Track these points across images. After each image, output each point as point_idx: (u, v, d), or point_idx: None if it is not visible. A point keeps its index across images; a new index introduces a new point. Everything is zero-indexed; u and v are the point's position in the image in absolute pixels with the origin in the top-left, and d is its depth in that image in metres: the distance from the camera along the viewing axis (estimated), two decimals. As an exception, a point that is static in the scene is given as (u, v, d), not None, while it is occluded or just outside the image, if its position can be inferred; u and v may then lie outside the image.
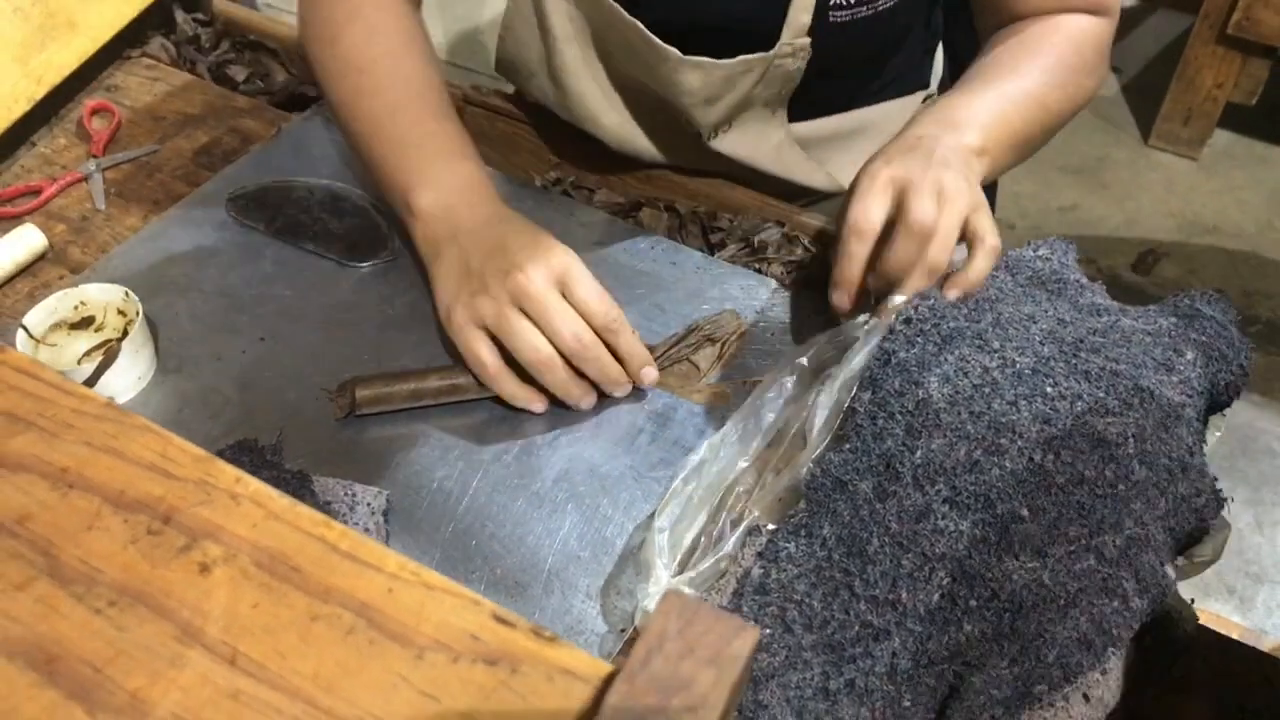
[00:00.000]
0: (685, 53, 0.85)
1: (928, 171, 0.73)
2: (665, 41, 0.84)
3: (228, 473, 0.33)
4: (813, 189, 1.00)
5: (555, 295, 0.71)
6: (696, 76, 0.86)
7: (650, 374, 0.75)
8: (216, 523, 0.32)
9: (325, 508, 0.68)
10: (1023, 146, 0.85)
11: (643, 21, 0.84)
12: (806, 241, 0.90)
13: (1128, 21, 2.74)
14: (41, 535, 0.31)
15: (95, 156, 0.93)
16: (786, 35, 0.85)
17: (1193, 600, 0.67)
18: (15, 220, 0.87)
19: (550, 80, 0.94)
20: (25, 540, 0.31)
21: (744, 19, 0.86)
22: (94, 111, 0.97)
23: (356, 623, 0.30)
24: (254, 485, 0.33)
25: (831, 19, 0.86)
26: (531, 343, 0.71)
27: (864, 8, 0.85)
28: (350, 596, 0.31)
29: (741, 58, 0.86)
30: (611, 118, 0.93)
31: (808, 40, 0.86)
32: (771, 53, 0.86)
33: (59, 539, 0.31)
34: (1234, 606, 1.63)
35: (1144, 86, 2.54)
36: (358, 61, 0.84)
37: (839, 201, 1.05)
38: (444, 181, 0.79)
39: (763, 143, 0.94)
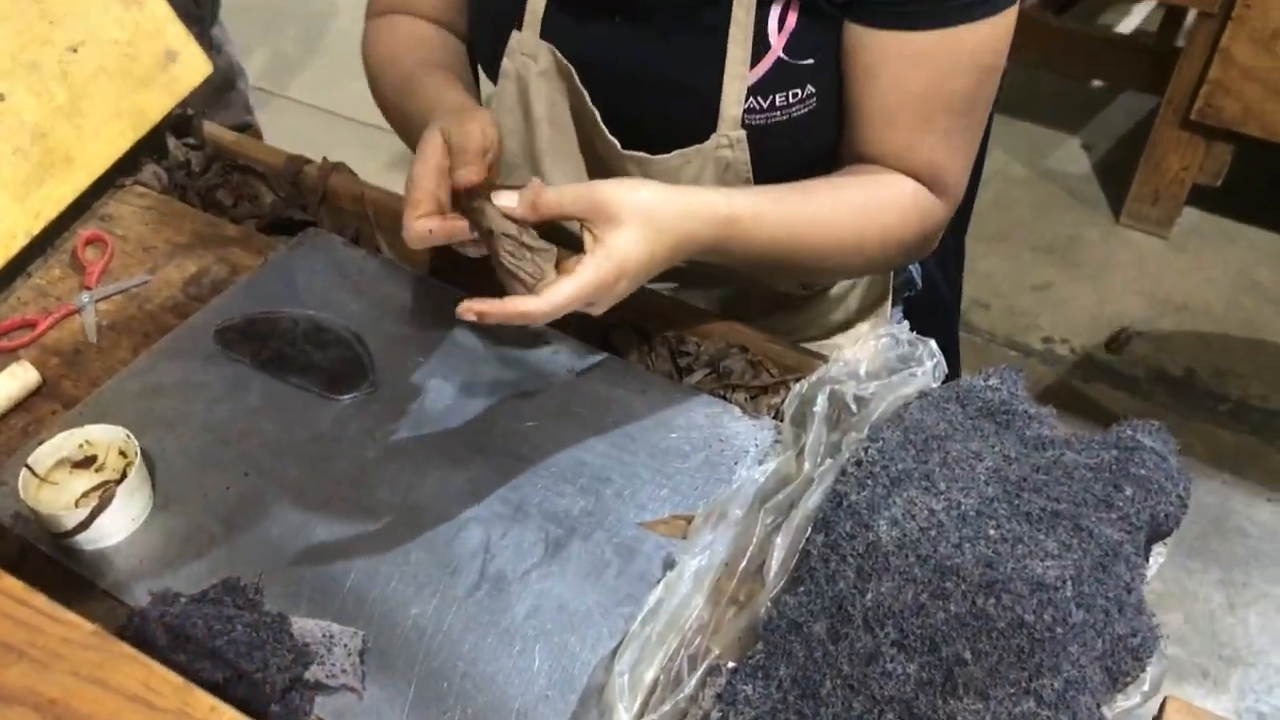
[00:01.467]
0: (633, 145, 0.93)
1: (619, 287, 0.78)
2: (619, 132, 0.93)
3: (204, 702, 0.36)
4: (779, 290, 1.05)
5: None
6: (636, 168, 0.94)
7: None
8: (194, 755, 0.35)
9: (304, 649, 0.71)
10: (763, 272, 0.95)
11: (600, 111, 0.93)
12: (771, 368, 0.94)
13: (1096, 102, 2.83)
14: (33, 770, 0.34)
15: (88, 289, 0.97)
16: (722, 128, 0.91)
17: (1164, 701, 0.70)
18: (10, 354, 0.91)
19: (530, 166, 1.01)
20: (18, 776, 0.34)
21: (679, 114, 0.92)
22: (88, 243, 1.01)
23: None
24: (229, 714, 0.36)
25: (748, 122, 0.91)
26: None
27: (777, 113, 0.91)
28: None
29: (677, 151, 0.92)
30: None
31: (743, 133, 0.91)
32: (709, 144, 0.91)
33: (49, 773, 0.34)
34: (1207, 690, 1.66)
35: (1113, 166, 2.61)
36: (396, 69, 0.99)
37: (806, 311, 1.11)
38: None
39: None
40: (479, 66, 1.05)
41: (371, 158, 2.30)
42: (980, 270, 2.35)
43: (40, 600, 0.40)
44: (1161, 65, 2.33)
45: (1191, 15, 2.28)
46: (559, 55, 0.93)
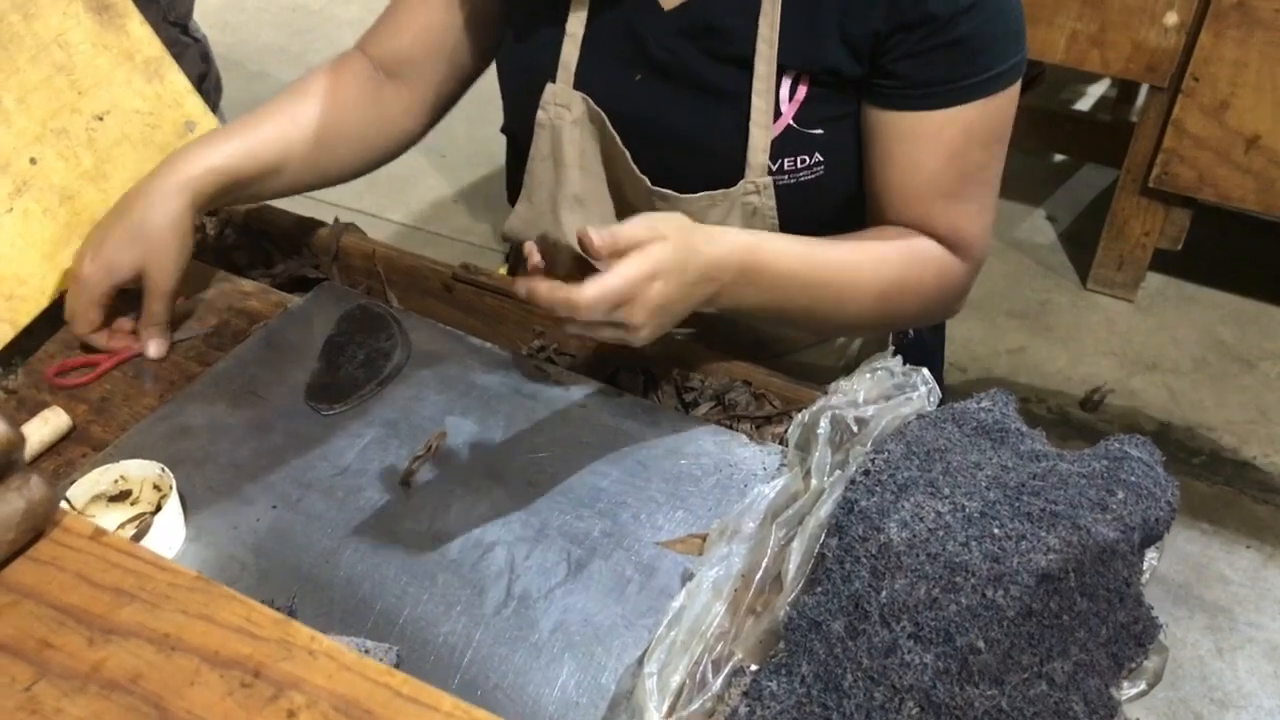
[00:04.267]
0: (664, 184, 0.97)
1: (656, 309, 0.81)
2: (651, 173, 0.98)
3: (304, 632, 0.39)
4: (789, 337, 1.10)
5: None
6: (665, 207, 0.99)
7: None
8: (298, 675, 0.38)
9: (341, 664, 0.73)
10: (788, 322, 0.97)
11: (630, 152, 0.98)
12: (773, 399, 0.98)
13: (1059, 174, 2.94)
14: (153, 691, 0.37)
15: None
16: (749, 174, 0.96)
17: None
18: (73, 391, 0.94)
19: (557, 213, 1.05)
20: (140, 696, 0.37)
21: (704, 163, 0.97)
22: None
23: (419, 756, 0.36)
24: (326, 642, 0.39)
25: None
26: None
27: (784, 176, 0.96)
28: (414, 734, 0.37)
29: (704, 193, 0.97)
30: None
31: (770, 179, 0.96)
32: (736, 189, 0.97)
33: (167, 694, 0.37)
34: (1202, 733, 1.68)
35: (1078, 234, 2.72)
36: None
37: (813, 349, 1.16)
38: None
39: None
40: (510, 128, 1.11)
41: (362, 239, 2.34)
42: (957, 336, 2.42)
43: (146, 553, 0.43)
44: (1119, 138, 2.44)
45: (1144, 90, 2.41)
46: (591, 103, 0.98)
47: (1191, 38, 2.12)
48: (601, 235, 0.78)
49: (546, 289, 0.78)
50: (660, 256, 0.80)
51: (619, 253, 0.79)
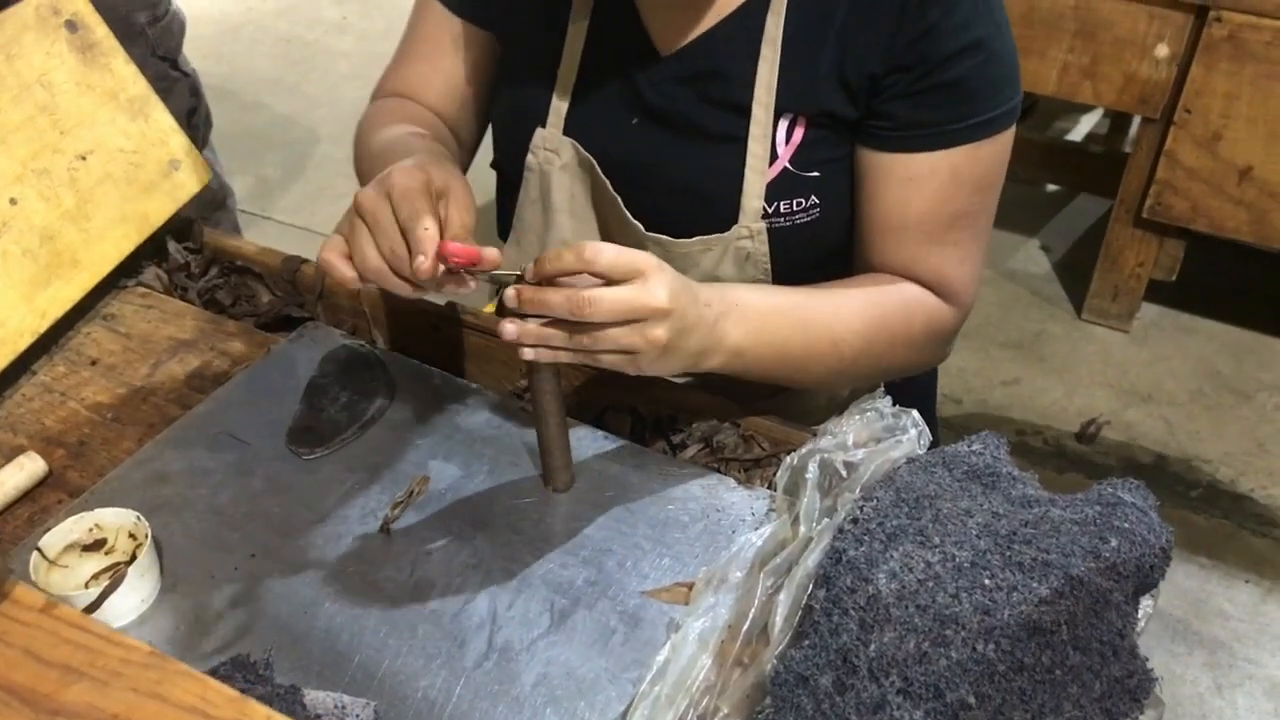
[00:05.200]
0: (657, 229, 0.96)
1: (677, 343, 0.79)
2: (640, 220, 0.96)
3: (260, 711, 0.38)
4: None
5: (384, 209, 0.76)
6: (658, 250, 0.97)
7: (420, 263, 0.74)
8: (253, 759, 0.36)
9: (316, 721, 0.71)
10: (789, 367, 0.93)
11: (622, 197, 0.96)
12: (762, 441, 0.97)
13: (1053, 204, 2.94)
14: (99, 778, 0.35)
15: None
16: (743, 219, 0.95)
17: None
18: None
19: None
20: (85, 783, 0.35)
21: (699, 208, 0.96)
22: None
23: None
24: (283, 722, 0.38)
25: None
26: (360, 250, 0.77)
27: (780, 219, 0.95)
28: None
29: (698, 237, 0.96)
30: None
31: (763, 224, 0.95)
32: (729, 233, 0.95)
33: (115, 780, 0.35)
34: (1202, 773, 1.65)
35: (1073, 264, 2.71)
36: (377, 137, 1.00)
37: (802, 397, 1.14)
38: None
39: None
40: (500, 169, 1.10)
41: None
42: (951, 367, 2.40)
43: (99, 626, 0.41)
44: (1112, 168, 2.44)
45: (1136, 121, 2.41)
46: (580, 149, 0.97)
47: (1183, 70, 2.13)
48: (613, 249, 0.76)
49: (560, 292, 0.75)
50: (670, 274, 0.79)
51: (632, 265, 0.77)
